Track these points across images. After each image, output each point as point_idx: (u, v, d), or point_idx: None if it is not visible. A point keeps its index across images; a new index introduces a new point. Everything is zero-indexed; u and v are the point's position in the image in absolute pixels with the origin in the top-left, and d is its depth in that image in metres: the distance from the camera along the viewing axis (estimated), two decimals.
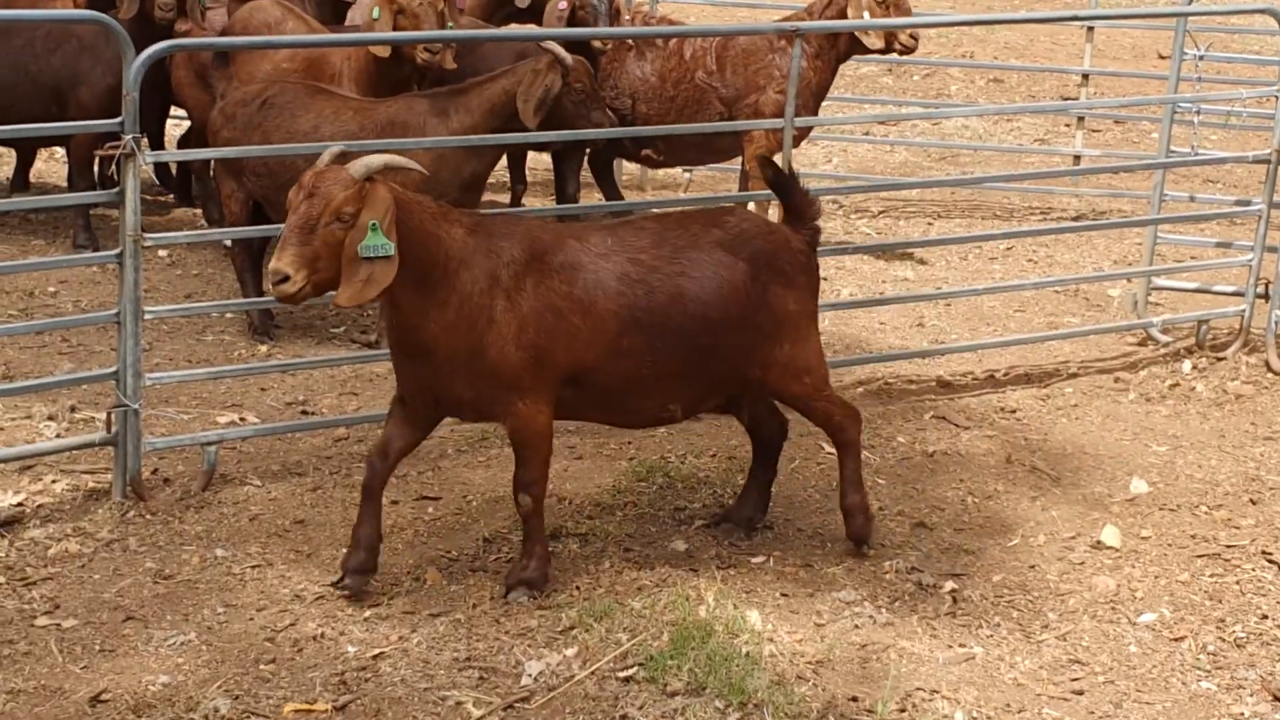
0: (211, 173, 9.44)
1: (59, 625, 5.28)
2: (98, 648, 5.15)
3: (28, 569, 5.67)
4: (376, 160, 5.13)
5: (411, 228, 5.16)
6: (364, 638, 5.24)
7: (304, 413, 7.29)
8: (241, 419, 7.13)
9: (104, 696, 4.85)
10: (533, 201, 10.90)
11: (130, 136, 6.03)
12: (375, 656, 5.12)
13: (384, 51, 8.47)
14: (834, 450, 6.94)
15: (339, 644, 5.20)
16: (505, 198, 10.78)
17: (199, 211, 10.20)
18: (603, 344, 5.45)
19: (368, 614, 5.39)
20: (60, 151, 11.23)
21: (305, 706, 4.82)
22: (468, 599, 5.53)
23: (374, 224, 4.99)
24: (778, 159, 9.24)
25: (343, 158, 5.24)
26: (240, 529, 6.07)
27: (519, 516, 5.60)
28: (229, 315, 8.41)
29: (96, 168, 9.59)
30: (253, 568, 5.74)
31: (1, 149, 11.48)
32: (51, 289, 8.75)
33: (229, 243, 8.41)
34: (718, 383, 5.76)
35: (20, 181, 10.66)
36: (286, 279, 4.99)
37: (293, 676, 4.99)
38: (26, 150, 10.67)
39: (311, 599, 5.52)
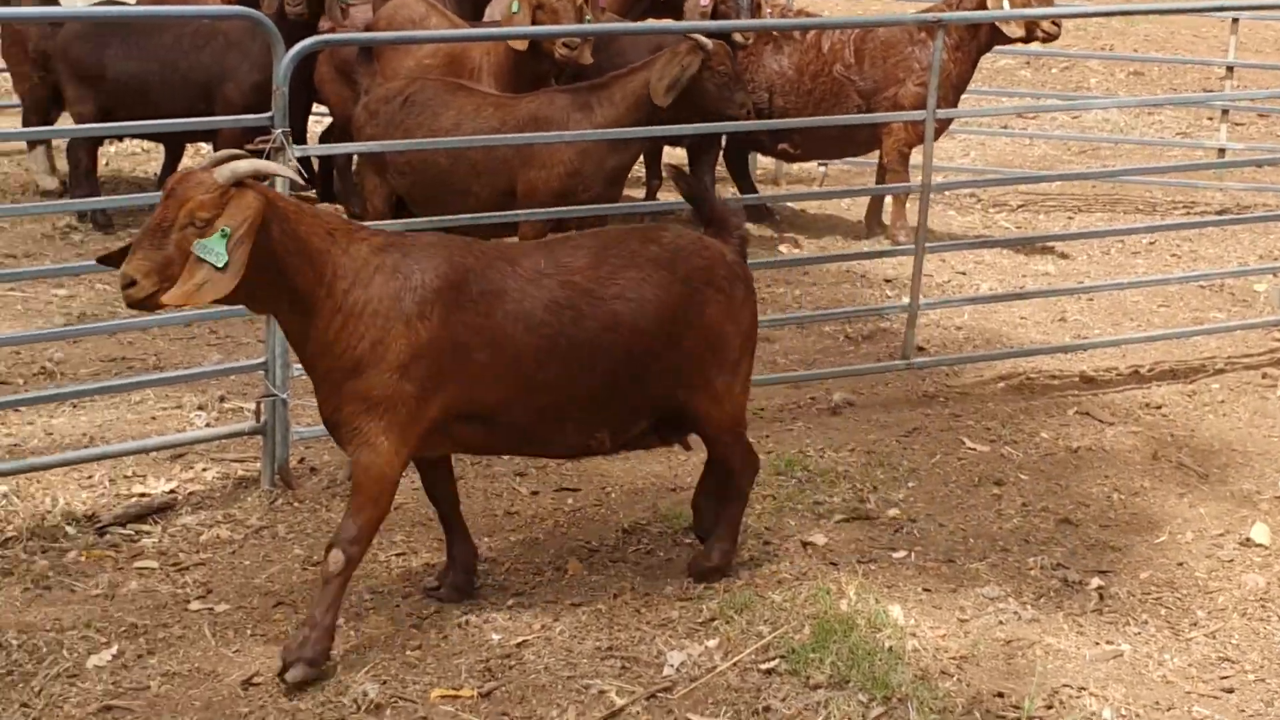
0: (354, 168, 9.58)
1: (211, 609, 5.39)
2: (249, 632, 5.25)
3: (180, 555, 5.79)
4: (245, 165, 4.73)
5: (297, 239, 4.82)
6: (508, 626, 5.29)
7: None
8: None
9: (255, 680, 4.94)
10: (667, 196, 10.91)
11: (280, 131, 6.13)
12: (519, 644, 5.17)
13: (522, 45, 8.54)
14: (975, 445, 6.94)
15: (483, 631, 5.25)
16: (640, 193, 10.81)
17: (340, 207, 10.34)
18: (517, 378, 5.08)
19: (511, 602, 5.43)
20: (207, 147, 11.44)
21: (452, 692, 4.88)
22: (609, 589, 5.56)
23: (224, 230, 4.62)
24: (916, 153, 9.22)
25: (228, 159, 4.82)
26: (385, 518, 6.14)
27: (322, 577, 4.95)
28: None
29: None
30: (398, 555, 5.82)
31: (150, 144, 11.75)
32: None
33: None
34: (645, 408, 5.39)
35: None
36: (133, 284, 4.62)
37: (439, 663, 5.05)
38: (176, 145, 10.90)
39: None
